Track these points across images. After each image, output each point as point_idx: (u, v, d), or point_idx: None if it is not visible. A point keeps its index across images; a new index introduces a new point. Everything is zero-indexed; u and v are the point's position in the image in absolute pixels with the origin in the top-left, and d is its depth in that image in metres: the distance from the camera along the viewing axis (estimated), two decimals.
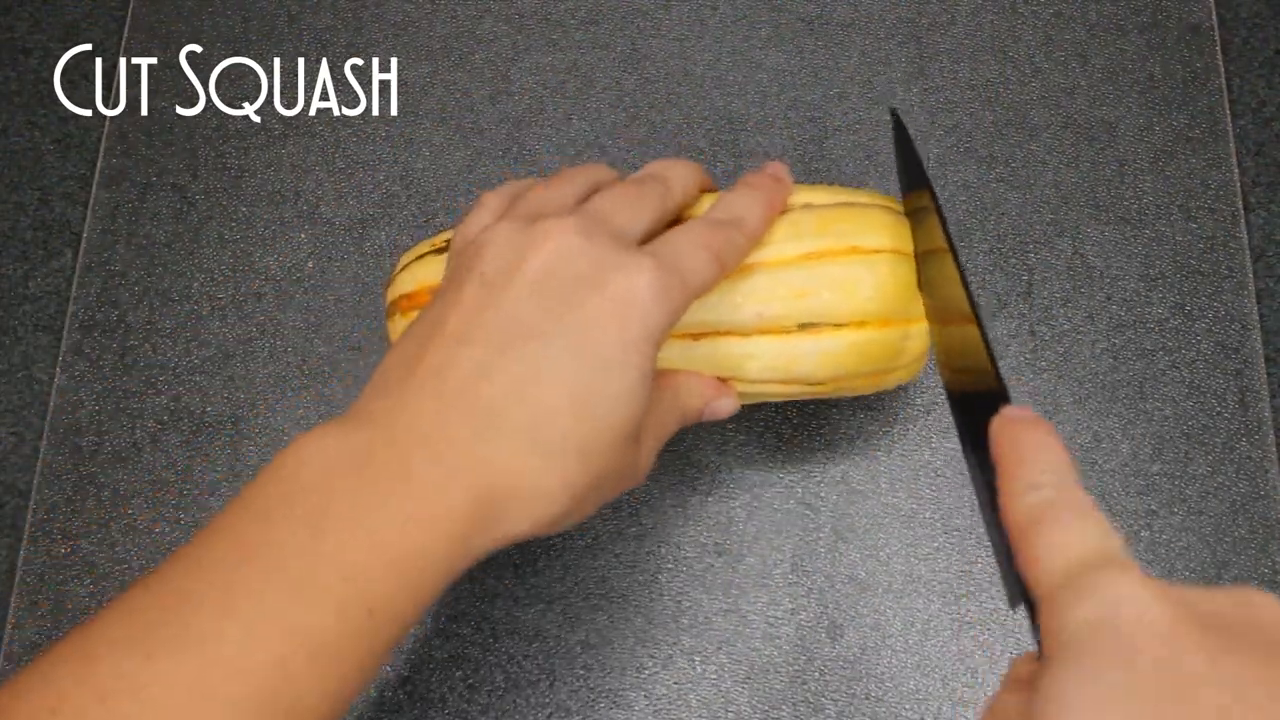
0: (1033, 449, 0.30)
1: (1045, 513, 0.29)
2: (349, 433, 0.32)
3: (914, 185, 0.41)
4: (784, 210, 0.41)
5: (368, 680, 0.31)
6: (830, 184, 0.46)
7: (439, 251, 0.43)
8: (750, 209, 0.39)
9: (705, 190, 0.42)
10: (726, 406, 0.41)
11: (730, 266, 0.37)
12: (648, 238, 0.37)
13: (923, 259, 0.40)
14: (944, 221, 0.38)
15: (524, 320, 0.34)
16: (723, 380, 0.41)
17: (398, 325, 0.42)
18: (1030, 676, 0.28)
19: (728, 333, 0.40)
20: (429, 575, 0.32)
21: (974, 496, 0.49)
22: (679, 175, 0.40)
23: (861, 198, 0.42)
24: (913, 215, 0.41)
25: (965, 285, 0.36)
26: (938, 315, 0.40)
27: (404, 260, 0.43)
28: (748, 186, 0.40)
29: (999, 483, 0.30)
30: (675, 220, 0.40)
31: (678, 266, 0.35)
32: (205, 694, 0.28)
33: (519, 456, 0.33)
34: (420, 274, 0.42)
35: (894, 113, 0.42)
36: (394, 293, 0.43)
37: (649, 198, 0.38)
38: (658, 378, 0.39)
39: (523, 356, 0.33)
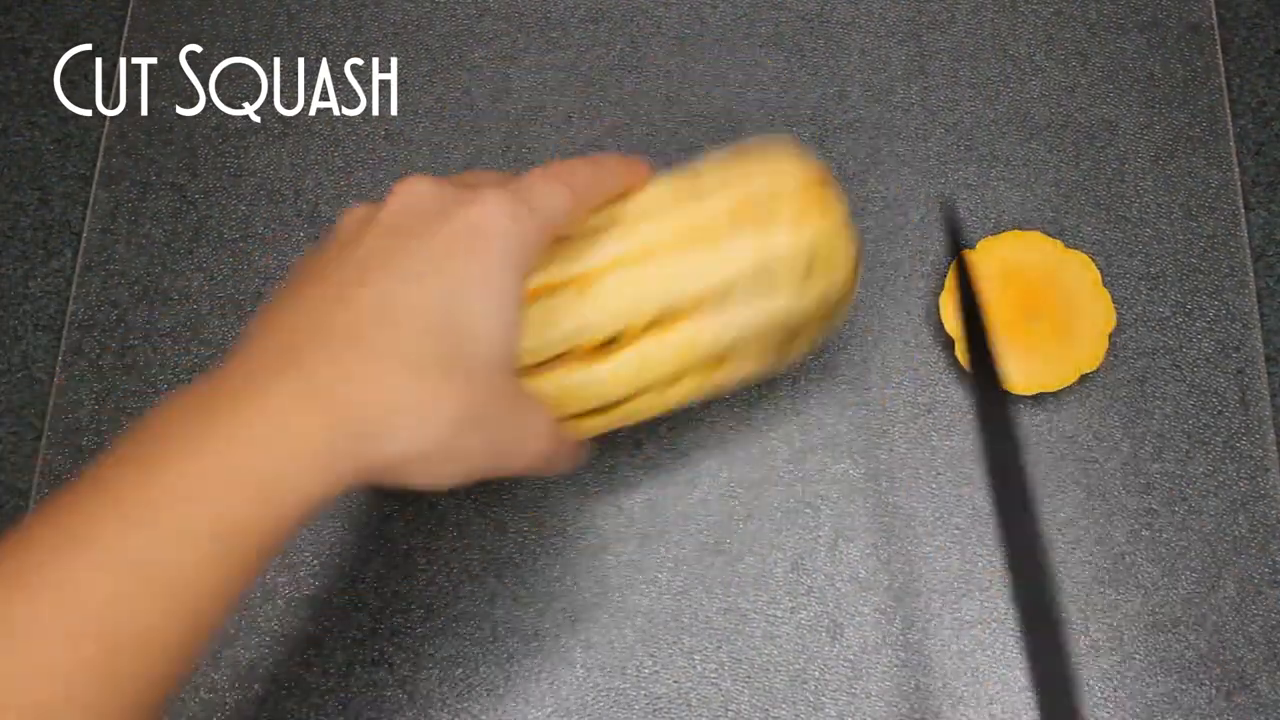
0: None
1: None
2: (206, 376, 0.33)
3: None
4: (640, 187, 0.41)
5: (228, 608, 0.31)
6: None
7: None
8: (599, 156, 0.40)
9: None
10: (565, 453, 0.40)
11: (583, 196, 0.38)
12: None
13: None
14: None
15: (378, 254, 0.34)
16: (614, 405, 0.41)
17: None
18: None
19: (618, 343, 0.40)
20: (289, 499, 0.31)
21: (973, 495, 0.49)
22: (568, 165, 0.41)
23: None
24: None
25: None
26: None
27: None
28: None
29: None
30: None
31: (527, 195, 0.36)
32: (50, 633, 0.28)
33: (384, 373, 0.32)
34: None
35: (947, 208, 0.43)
36: None
37: (507, 174, 0.39)
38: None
39: (379, 285, 0.33)
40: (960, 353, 0.49)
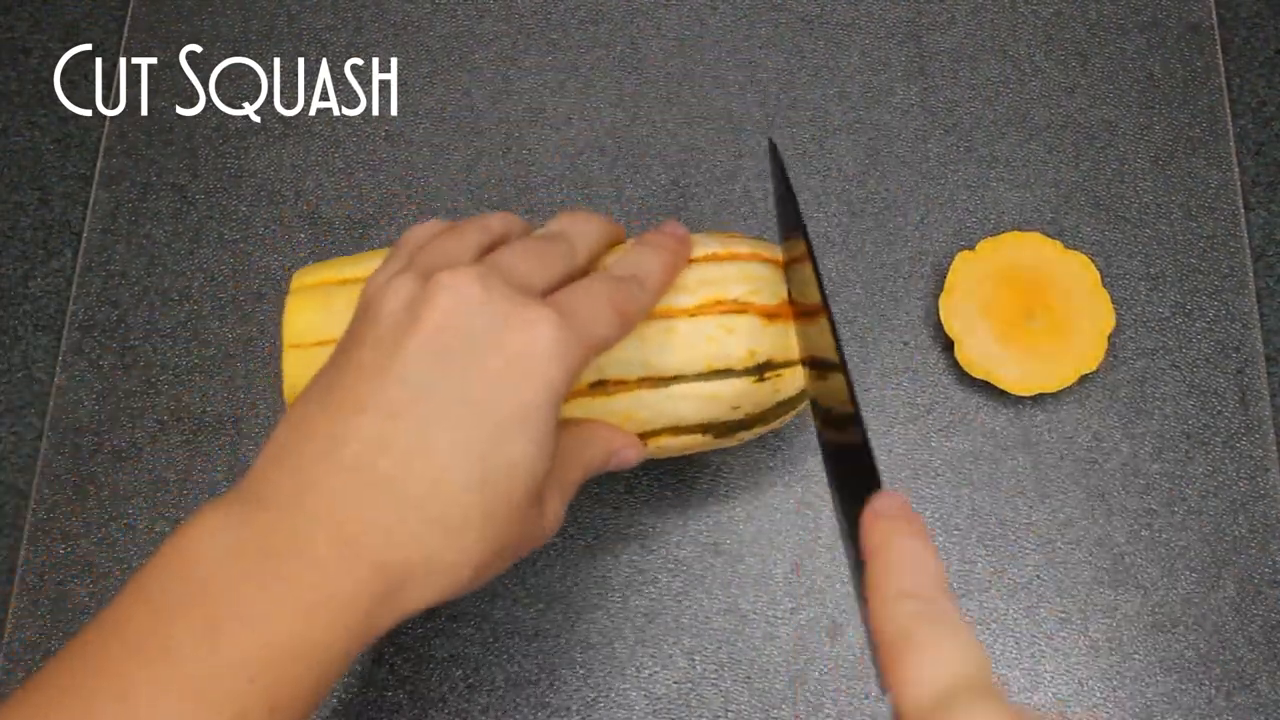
0: (903, 556, 0.30)
1: (914, 629, 0.28)
2: (244, 515, 0.31)
3: (790, 226, 0.40)
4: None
5: None
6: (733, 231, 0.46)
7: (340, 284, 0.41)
8: (652, 265, 0.38)
9: (615, 244, 0.41)
10: (633, 453, 0.40)
11: (632, 322, 0.36)
12: (551, 292, 0.36)
13: (797, 308, 0.40)
14: (817, 272, 0.38)
15: (419, 383, 0.32)
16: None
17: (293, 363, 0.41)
18: None
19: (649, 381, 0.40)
20: (333, 659, 0.31)
21: (972, 495, 0.49)
22: (586, 231, 0.39)
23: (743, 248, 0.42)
24: (789, 265, 0.41)
25: (835, 337, 0.36)
26: (810, 363, 0.40)
27: (295, 284, 0.42)
28: (649, 245, 0.39)
29: (868, 584, 0.30)
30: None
31: (578, 321, 0.34)
32: None
33: (419, 531, 0.32)
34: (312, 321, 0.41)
35: (771, 144, 0.41)
36: (289, 337, 0.41)
37: (554, 253, 0.37)
38: (559, 430, 0.38)
39: (418, 424, 0.32)
40: (960, 353, 0.49)
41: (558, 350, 0.33)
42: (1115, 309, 0.51)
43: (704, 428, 0.41)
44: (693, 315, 0.39)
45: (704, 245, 0.41)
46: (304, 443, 0.33)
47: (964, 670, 0.27)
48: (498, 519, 0.33)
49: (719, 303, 0.40)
